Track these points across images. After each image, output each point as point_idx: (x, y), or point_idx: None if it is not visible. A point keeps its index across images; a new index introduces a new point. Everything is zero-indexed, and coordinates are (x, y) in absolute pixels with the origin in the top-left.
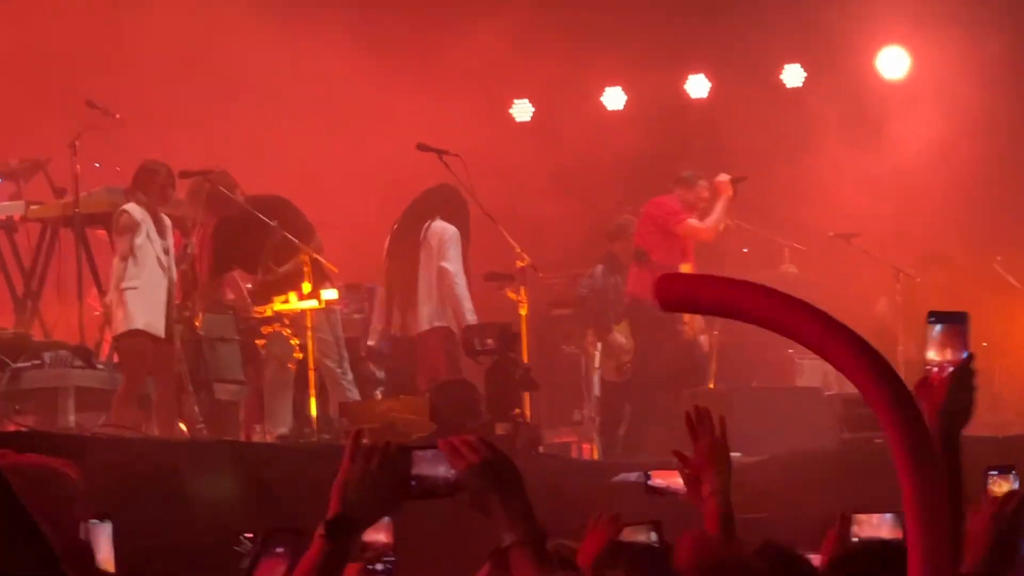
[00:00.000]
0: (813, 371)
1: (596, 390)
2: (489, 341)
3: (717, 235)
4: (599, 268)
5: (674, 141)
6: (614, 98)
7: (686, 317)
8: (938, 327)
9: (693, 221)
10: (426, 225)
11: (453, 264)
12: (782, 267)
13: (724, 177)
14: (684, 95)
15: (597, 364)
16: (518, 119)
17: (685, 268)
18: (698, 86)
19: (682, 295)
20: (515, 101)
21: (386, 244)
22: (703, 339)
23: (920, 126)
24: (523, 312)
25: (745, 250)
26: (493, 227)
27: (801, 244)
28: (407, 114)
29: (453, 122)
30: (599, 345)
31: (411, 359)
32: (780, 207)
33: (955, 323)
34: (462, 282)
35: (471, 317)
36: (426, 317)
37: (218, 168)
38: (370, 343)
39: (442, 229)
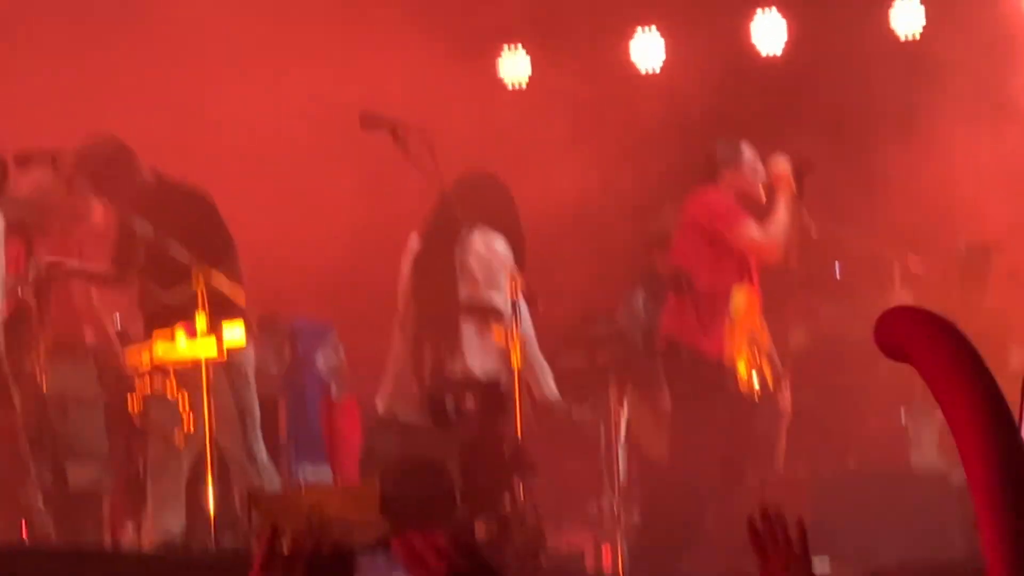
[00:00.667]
0: (934, 446)
1: (622, 473)
2: (467, 403)
3: (780, 249)
4: (638, 294)
5: (733, 112)
6: (647, 50)
7: (745, 368)
8: None
9: (753, 227)
10: (461, 239)
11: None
12: (892, 294)
13: (782, 164)
14: (749, 47)
15: (624, 435)
16: (508, 79)
17: (739, 298)
18: (770, 32)
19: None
20: (505, 51)
21: (403, 270)
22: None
23: None
24: (516, 362)
25: (836, 269)
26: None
27: (919, 260)
28: (347, 70)
29: (414, 81)
30: (626, 406)
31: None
32: (886, 206)
33: None
34: (530, 333)
35: (550, 391)
36: (543, 381)
37: (99, 141)
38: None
39: (486, 246)
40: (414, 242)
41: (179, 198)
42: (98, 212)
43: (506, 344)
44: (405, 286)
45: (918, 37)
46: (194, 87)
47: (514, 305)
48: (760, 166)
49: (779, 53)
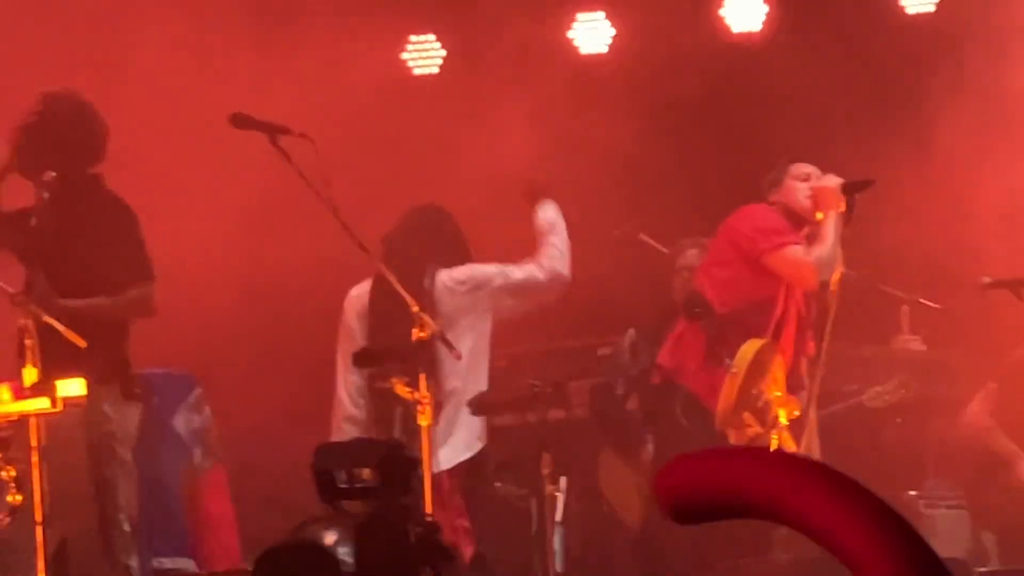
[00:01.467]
0: (952, 526)
1: (558, 561)
2: (364, 474)
3: (827, 273)
4: (630, 334)
5: (693, 111)
6: (592, 33)
7: (750, 421)
8: None
9: (799, 249)
10: (426, 282)
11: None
12: (898, 340)
13: (832, 181)
14: (718, 28)
15: (559, 515)
16: (419, 70)
17: (748, 351)
18: (744, 11)
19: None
20: (413, 40)
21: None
22: None
23: None
24: (424, 422)
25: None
26: (369, 264)
27: (931, 299)
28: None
29: (301, 78)
30: (563, 482)
31: None
32: (892, 235)
33: None
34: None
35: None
36: (463, 442)
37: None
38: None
39: (450, 288)
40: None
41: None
42: None
43: (412, 396)
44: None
45: (932, 11)
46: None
47: (422, 346)
48: (804, 175)
49: (757, 30)
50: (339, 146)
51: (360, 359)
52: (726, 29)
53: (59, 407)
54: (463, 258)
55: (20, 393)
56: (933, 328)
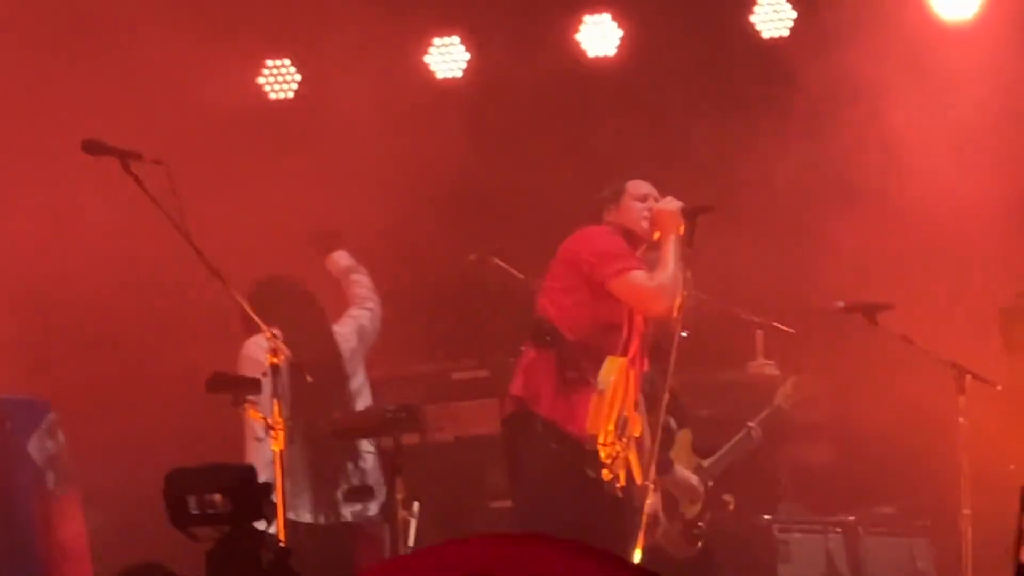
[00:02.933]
0: (806, 551)
1: None
2: (216, 499)
3: (671, 300)
4: None
5: (549, 134)
6: (448, 59)
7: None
8: None
9: (640, 274)
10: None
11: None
12: (752, 365)
13: (672, 204)
14: (574, 51)
15: (412, 539)
16: (275, 95)
17: (611, 369)
18: (600, 35)
19: None
20: (269, 64)
21: None
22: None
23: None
24: (277, 447)
25: (683, 334)
26: (224, 291)
27: (785, 324)
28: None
29: (158, 104)
30: (415, 507)
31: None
32: (746, 259)
33: None
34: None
35: None
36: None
37: None
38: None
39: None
40: None
41: None
42: None
43: (265, 422)
44: None
45: (786, 35)
46: None
47: (275, 371)
48: (642, 196)
49: (612, 55)
50: (194, 171)
51: (213, 384)
52: (582, 53)
53: None
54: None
55: None
56: (787, 353)
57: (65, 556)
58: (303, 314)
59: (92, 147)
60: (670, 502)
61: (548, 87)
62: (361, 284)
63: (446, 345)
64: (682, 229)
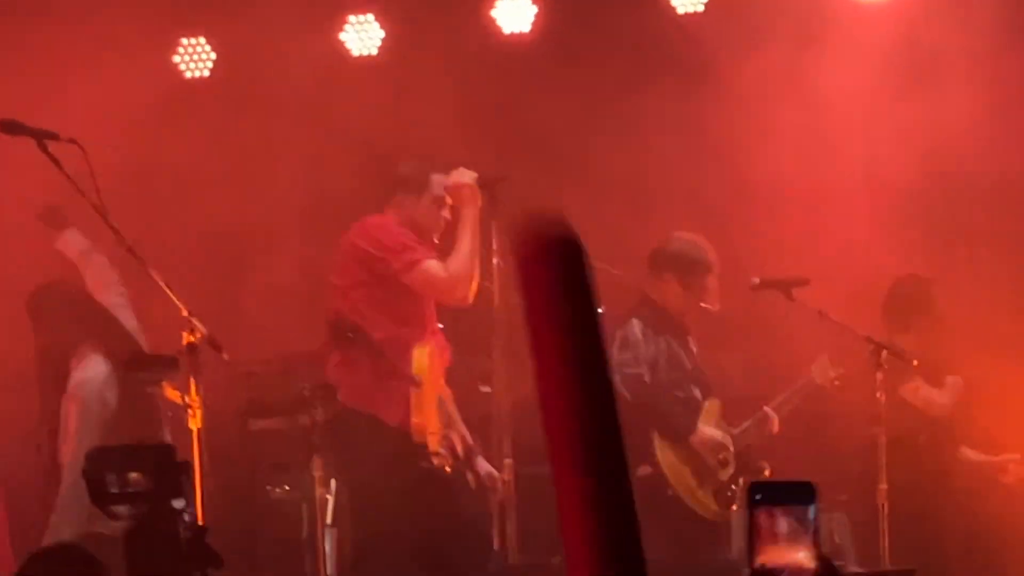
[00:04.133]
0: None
1: (329, 564)
2: (133, 477)
3: (469, 286)
4: (634, 324)
5: (466, 109)
6: (362, 35)
7: (436, 441)
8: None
9: (433, 264)
10: None
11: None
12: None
13: (464, 176)
14: (490, 29)
15: (330, 516)
16: (189, 73)
17: (422, 358)
18: (514, 12)
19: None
20: (183, 43)
21: None
22: None
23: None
24: (195, 426)
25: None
26: (140, 269)
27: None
28: None
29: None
30: (332, 484)
31: None
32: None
33: (797, 503)
34: None
35: None
36: None
37: None
38: None
39: None
40: None
41: None
42: None
43: (182, 400)
44: None
45: (701, 11)
46: None
47: (191, 350)
48: (441, 180)
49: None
50: (111, 150)
51: (132, 364)
52: (497, 30)
53: None
54: None
55: None
56: (707, 330)
57: None
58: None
59: (8, 127)
60: (701, 467)
61: (463, 64)
62: (105, 267)
63: None
64: (479, 201)
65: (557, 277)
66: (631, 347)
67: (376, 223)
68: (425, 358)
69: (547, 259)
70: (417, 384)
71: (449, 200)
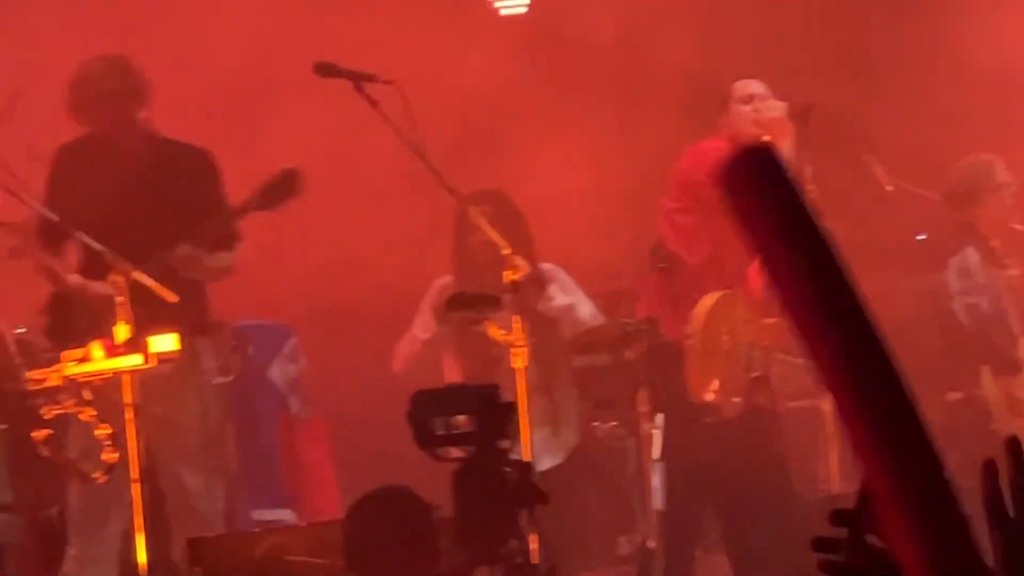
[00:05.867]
0: None
1: (658, 497)
2: (460, 419)
3: None
4: (969, 253)
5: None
6: None
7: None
8: None
9: None
10: None
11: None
12: (967, 258)
13: (775, 110)
14: None
15: (657, 452)
16: (506, 10)
17: (706, 304)
18: None
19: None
20: None
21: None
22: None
23: None
24: (519, 364)
25: (921, 236)
26: (459, 210)
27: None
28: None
29: (383, 25)
30: (659, 419)
31: None
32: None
33: None
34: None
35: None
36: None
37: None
38: None
39: None
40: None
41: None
42: None
43: (506, 340)
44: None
45: None
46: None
47: (515, 288)
48: (751, 104)
49: None
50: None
51: (454, 303)
52: None
53: (152, 363)
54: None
55: (112, 350)
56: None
57: (311, 481)
58: None
59: (324, 69)
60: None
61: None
62: None
63: None
64: (792, 135)
65: (759, 180)
66: (970, 275)
67: (705, 148)
68: (704, 311)
69: (744, 167)
70: (688, 344)
71: (755, 118)
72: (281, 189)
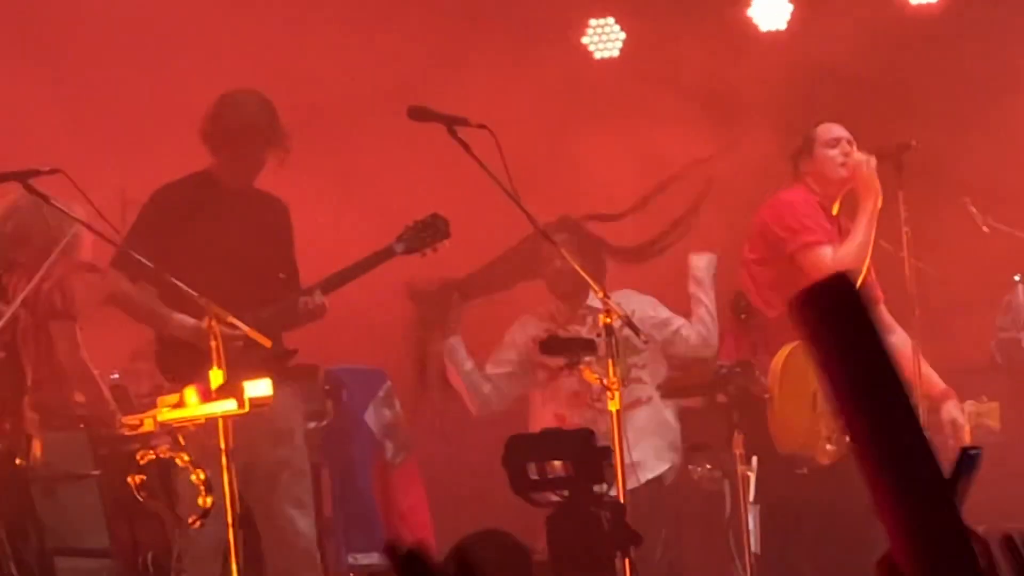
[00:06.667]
0: None
1: (754, 542)
2: (557, 465)
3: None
4: (1019, 288)
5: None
6: (770, 10)
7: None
8: None
9: (826, 251)
10: None
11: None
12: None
13: (863, 158)
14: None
15: (752, 495)
16: (599, 54)
17: (782, 356)
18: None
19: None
20: (592, 24)
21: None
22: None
23: None
24: (614, 407)
25: (1017, 278)
26: (553, 249)
27: None
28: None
29: (475, 72)
30: (754, 461)
31: None
32: None
33: None
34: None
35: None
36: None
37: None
38: None
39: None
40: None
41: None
42: (86, 240)
43: (600, 383)
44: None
45: None
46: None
47: (608, 331)
48: (838, 148)
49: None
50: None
51: (548, 347)
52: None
53: (246, 408)
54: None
55: (207, 395)
56: None
57: (406, 525)
58: None
59: (418, 114)
60: None
61: (866, 35)
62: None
63: None
64: (877, 190)
65: (832, 313)
66: (1012, 310)
67: (785, 200)
68: (779, 363)
69: (819, 299)
70: (765, 399)
71: (843, 161)
72: (428, 232)
